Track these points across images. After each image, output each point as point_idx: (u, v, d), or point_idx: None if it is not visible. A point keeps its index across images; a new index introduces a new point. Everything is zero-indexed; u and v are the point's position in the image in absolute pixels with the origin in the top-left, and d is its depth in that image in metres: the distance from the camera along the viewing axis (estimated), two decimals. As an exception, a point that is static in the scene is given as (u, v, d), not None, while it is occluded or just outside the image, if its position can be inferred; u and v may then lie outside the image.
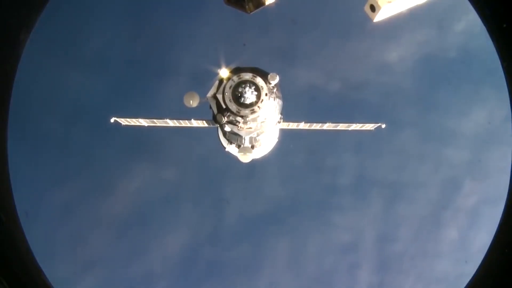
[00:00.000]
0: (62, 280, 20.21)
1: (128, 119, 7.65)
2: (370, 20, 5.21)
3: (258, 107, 6.40)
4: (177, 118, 7.42)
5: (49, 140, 19.82)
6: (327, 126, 7.99)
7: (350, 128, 8.55)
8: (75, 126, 20.10)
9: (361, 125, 8.47)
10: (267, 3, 5.45)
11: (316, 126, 7.95)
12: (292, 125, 7.62)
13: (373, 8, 5.09)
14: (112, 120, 7.61)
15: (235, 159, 7.02)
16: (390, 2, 4.94)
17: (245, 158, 6.81)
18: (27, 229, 5.86)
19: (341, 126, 8.36)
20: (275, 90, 6.55)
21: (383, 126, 8.44)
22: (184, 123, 7.38)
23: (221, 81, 6.48)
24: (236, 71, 6.57)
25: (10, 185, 5.63)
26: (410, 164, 21.77)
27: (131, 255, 21.33)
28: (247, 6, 5.41)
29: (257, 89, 6.38)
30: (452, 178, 21.59)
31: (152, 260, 21.45)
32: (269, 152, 8.08)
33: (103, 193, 20.90)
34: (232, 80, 6.42)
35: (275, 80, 6.40)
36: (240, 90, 6.38)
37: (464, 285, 5.71)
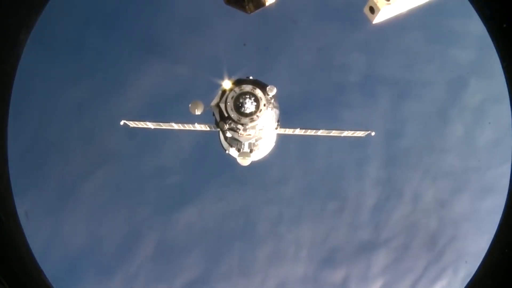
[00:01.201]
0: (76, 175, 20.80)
1: (136, 122, 8.29)
2: (370, 21, 5.31)
3: (257, 116, 7.02)
4: (182, 122, 8.00)
5: (64, 41, 20.34)
6: (321, 132, 8.68)
7: (342, 135, 9.20)
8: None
9: (352, 132, 9.16)
10: (267, 3, 5.59)
11: (310, 132, 8.63)
12: (288, 131, 8.30)
13: (372, 10, 5.17)
14: (121, 122, 8.27)
15: (234, 160, 7.68)
16: (389, 4, 5.01)
17: (244, 161, 7.50)
18: (27, 228, 5.93)
19: (334, 132, 9.02)
20: (272, 101, 7.17)
21: (373, 133, 9.35)
22: (188, 127, 7.92)
23: (224, 91, 7.08)
24: (237, 83, 7.19)
25: (10, 185, 5.68)
26: (417, 64, 22.17)
27: (143, 151, 22.05)
28: (247, 6, 5.55)
29: (256, 100, 7.04)
30: (458, 77, 22.07)
31: (164, 155, 22.23)
32: (267, 155, 8.78)
33: (115, 92, 21.38)
34: (234, 91, 7.05)
35: (273, 92, 7.04)
36: (241, 100, 7.03)
37: (464, 285, 5.89)
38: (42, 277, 5.70)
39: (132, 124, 8.25)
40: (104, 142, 21.69)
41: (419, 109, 22.24)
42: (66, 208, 21.72)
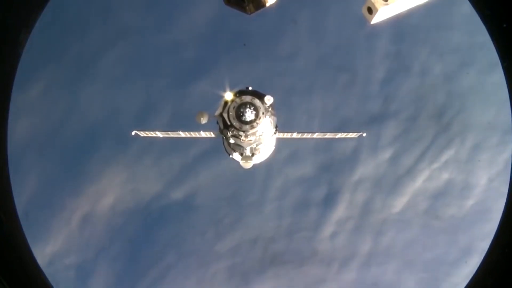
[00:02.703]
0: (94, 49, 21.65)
1: (146, 132, 8.97)
2: (368, 22, 5.27)
3: (257, 123, 7.64)
4: (189, 130, 8.61)
5: None
6: (317, 135, 9.18)
7: (336, 137, 9.69)
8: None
9: (345, 134, 9.64)
10: (267, 4, 5.61)
11: (307, 135, 9.15)
12: (287, 135, 8.81)
13: (370, 10, 5.14)
14: (133, 133, 8.91)
15: (238, 164, 8.42)
16: (387, 4, 4.99)
17: (246, 164, 8.31)
18: (26, 228, 5.94)
19: (329, 135, 9.53)
20: (270, 109, 7.80)
21: (364, 135, 9.85)
22: (194, 135, 8.53)
23: (226, 102, 7.72)
24: (238, 94, 7.77)
25: (10, 185, 5.66)
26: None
27: (160, 24, 23.25)
28: (247, 7, 5.59)
29: (256, 109, 7.67)
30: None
31: (180, 30, 23.36)
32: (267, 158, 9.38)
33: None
34: (235, 101, 7.67)
35: (270, 101, 7.67)
36: (241, 110, 7.65)
37: (464, 285, 5.82)
38: (42, 277, 5.75)
39: (142, 134, 8.85)
40: (122, 17, 22.74)
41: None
42: (84, 81, 23.45)
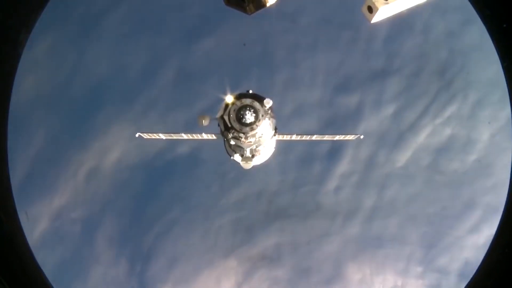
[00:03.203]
0: (100, 6, 23.10)
1: (149, 134, 9.19)
2: (368, 21, 5.27)
3: (256, 125, 7.86)
4: (191, 132, 8.85)
5: None
6: (315, 137, 9.51)
7: (335, 139, 10.09)
8: None
9: (343, 136, 9.99)
10: (268, 4, 5.60)
11: (306, 137, 9.45)
12: (286, 137, 9.16)
13: (370, 10, 5.11)
14: (136, 135, 9.15)
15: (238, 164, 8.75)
16: (387, 3, 4.94)
17: (246, 165, 8.55)
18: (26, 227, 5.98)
19: (327, 137, 10.01)
20: (269, 112, 8.02)
21: (361, 137, 10.24)
22: (197, 136, 8.76)
23: (227, 105, 7.91)
24: (238, 97, 7.99)
25: (10, 185, 5.71)
26: None
27: None
28: (247, 7, 5.57)
29: (255, 111, 7.87)
30: None
31: None
32: (267, 160, 9.78)
33: None
34: (236, 104, 7.89)
35: (269, 104, 7.92)
36: (242, 112, 7.85)
37: (464, 284, 5.96)
38: (42, 277, 5.74)
39: (146, 136, 9.11)
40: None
41: None
42: (91, 38, 23.77)
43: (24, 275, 5.44)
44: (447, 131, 25.06)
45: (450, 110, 24.92)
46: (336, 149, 24.99)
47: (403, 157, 25.07)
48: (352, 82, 24.77)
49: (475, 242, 24.60)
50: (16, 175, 24.29)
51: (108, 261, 24.88)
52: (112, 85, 24.80)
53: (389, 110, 24.97)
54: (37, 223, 24.81)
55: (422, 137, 25.07)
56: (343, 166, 24.97)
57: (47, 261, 24.71)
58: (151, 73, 24.80)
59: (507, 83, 5.88)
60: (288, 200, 24.83)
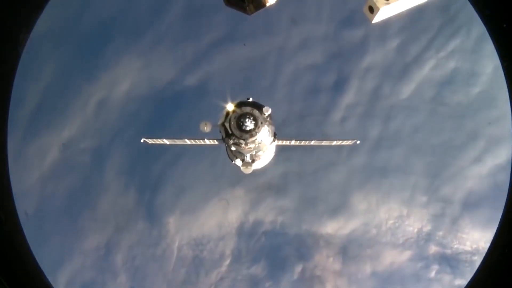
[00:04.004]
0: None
1: (154, 139, 9.64)
2: (369, 21, 5.22)
3: (256, 132, 8.07)
4: (194, 138, 9.13)
5: None
6: (314, 142, 9.71)
7: (333, 144, 10.27)
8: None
9: (340, 141, 10.20)
10: (268, 4, 5.57)
11: (305, 143, 9.67)
12: (285, 142, 9.42)
13: (371, 10, 5.07)
14: (142, 140, 9.50)
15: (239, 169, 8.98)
16: (388, 3, 4.91)
17: (247, 170, 8.78)
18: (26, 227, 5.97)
19: (325, 142, 10.15)
20: (268, 119, 8.26)
21: (358, 142, 10.41)
22: (199, 142, 9.05)
23: (227, 113, 8.15)
24: (239, 105, 8.22)
25: (10, 185, 5.62)
26: None
27: None
28: (247, 7, 5.55)
29: (255, 119, 8.08)
30: None
31: None
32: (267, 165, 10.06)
33: None
34: (236, 112, 8.12)
35: (268, 112, 8.13)
36: (242, 120, 8.07)
37: (465, 284, 5.87)
38: (42, 277, 5.72)
39: (150, 141, 9.54)
40: None
41: None
42: None
43: (24, 275, 5.48)
44: (451, 64, 25.50)
45: (454, 44, 25.36)
46: (341, 81, 25.43)
47: (407, 90, 25.48)
48: (357, 17, 25.19)
49: (479, 172, 24.97)
50: (27, 107, 24.71)
51: (117, 191, 25.23)
52: (122, 19, 25.26)
53: (393, 43, 25.41)
54: (47, 154, 25.18)
55: (426, 70, 25.50)
56: (349, 97, 25.38)
57: (57, 190, 25.08)
58: (160, 7, 25.30)
59: (507, 83, 5.82)
60: (295, 129, 25.19)
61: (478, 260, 24.96)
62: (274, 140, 8.90)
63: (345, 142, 10.21)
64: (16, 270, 5.24)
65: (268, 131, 8.42)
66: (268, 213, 25.07)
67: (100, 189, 25.16)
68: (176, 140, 9.66)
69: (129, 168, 25.29)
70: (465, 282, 25.52)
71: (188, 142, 9.23)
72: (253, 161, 8.89)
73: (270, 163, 9.99)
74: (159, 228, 25.01)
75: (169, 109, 25.39)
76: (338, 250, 25.07)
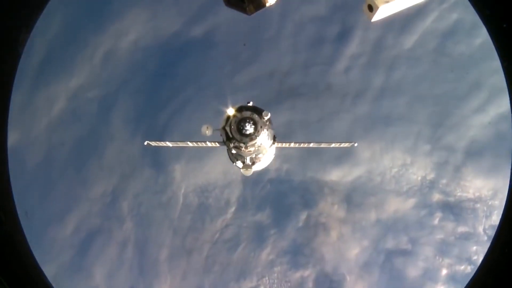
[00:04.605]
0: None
1: (157, 142, 9.76)
2: (368, 20, 5.18)
3: (255, 136, 8.30)
4: (196, 141, 9.31)
5: None
6: (312, 144, 9.98)
7: (331, 146, 10.56)
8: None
9: (338, 144, 10.48)
10: (267, 4, 5.56)
11: (303, 145, 9.90)
12: (285, 145, 9.68)
13: (370, 8, 5.03)
14: (145, 143, 9.59)
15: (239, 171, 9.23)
16: (387, 2, 4.89)
17: (247, 172, 8.96)
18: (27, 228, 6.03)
19: (324, 145, 10.39)
20: (267, 123, 8.49)
21: (355, 144, 10.68)
22: (201, 144, 9.30)
23: (228, 117, 8.39)
24: (239, 109, 8.41)
25: (10, 185, 5.62)
26: None
27: None
28: (247, 8, 5.56)
29: (255, 123, 8.28)
30: None
31: None
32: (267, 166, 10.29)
33: None
34: (236, 116, 8.36)
35: (267, 116, 8.41)
36: (242, 124, 8.28)
37: (465, 285, 5.89)
38: (42, 277, 5.67)
39: (153, 143, 9.70)
40: None
41: None
42: None
43: (24, 275, 5.44)
44: (454, 16, 25.81)
45: (457, -5, 25.71)
46: (345, 31, 25.75)
47: (410, 40, 25.79)
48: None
49: (481, 121, 25.24)
50: (35, 57, 25.02)
51: (123, 139, 25.49)
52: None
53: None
54: (55, 103, 25.48)
55: (428, 22, 25.80)
56: (353, 47, 25.69)
57: (64, 138, 25.36)
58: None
59: (507, 83, 5.79)
60: (300, 79, 25.51)
61: (480, 207, 25.22)
62: (273, 143, 9.13)
63: (343, 145, 10.55)
64: (16, 270, 5.25)
65: (268, 134, 8.61)
66: (273, 161, 25.23)
67: (106, 138, 25.46)
68: (178, 142, 9.92)
69: (136, 117, 25.57)
70: (467, 229, 25.78)
71: (190, 144, 9.40)
72: (253, 163, 9.14)
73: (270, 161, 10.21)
74: (165, 175, 25.29)
75: (175, 59, 25.71)
76: (343, 198, 25.31)
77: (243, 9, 5.58)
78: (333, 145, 10.51)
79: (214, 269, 25.13)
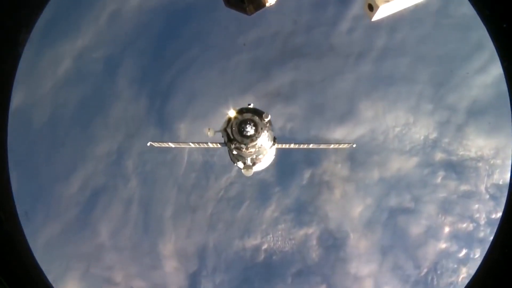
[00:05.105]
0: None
1: (160, 143, 9.94)
2: (369, 19, 5.18)
3: (256, 137, 8.52)
4: (198, 142, 9.58)
5: None
6: (312, 145, 10.27)
7: (330, 147, 11.04)
8: None
9: (337, 144, 10.82)
10: (267, 4, 5.60)
11: (303, 146, 10.19)
12: (285, 146, 9.92)
13: (371, 8, 5.02)
14: (148, 144, 9.81)
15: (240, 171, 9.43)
16: (388, 1, 4.86)
17: (248, 172, 9.17)
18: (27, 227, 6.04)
19: (323, 146, 10.69)
20: (268, 125, 8.67)
21: (354, 146, 10.98)
22: (203, 145, 9.56)
23: (229, 119, 8.59)
24: (240, 111, 8.61)
25: (10, 185, 5.60)
26: None
27: None
28: (247, 8, 5.58)
29: (255, 125, 8.49)
30: None
31: None
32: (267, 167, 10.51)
33: None
34: (238, 118, 8.58)
35: (267, 118, 8.56)
36: (243, 125, 8.49)
37: (464, 285, 5.92)
38: (42, 277, 5.64)
39: (156, 144, 9.93)
40: None
41: None
42: None
43: (24, 275, 5.40)
44: (456, -22, 26.12)
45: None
46: (348, -7, 26.04)
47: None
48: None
49: (483, 81, 25.48)
50: (41, 17, 25.26)
51: (129, 98, 25.72)
52: None
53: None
54: (60, 63, 25.71)
55: (431, -17, 26.10)
56: (355, 9, 25.97)
57: (70, 97, 25.57)
58: None
59: (507, 83, 5.72)
60: (303, 40, 25.77)
61: (482, 166, 25.44)
62: (273, 144, 9.32)
63: (342, 146, 10.86)
64: (16, 270, 5.20)
65: (268, 136, 8.80)
66: (278, 119, 25.47)
67: (112, 97, 25.68)
68: (181, 143, 10.22)
69: (141, 77, 25.80)
70: (470, 187, 25.98)
71: (192, 145, 9.65)
72: (253, 164, 9.35)
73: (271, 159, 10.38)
74: (170, 134, 25.49)
75: (180, 19, 25.96)
76: (346, 156, 25.53)
77: (243, 9, 5.64)
78: (332, 145, 11.01)
79: (219, 227, 25.31)
